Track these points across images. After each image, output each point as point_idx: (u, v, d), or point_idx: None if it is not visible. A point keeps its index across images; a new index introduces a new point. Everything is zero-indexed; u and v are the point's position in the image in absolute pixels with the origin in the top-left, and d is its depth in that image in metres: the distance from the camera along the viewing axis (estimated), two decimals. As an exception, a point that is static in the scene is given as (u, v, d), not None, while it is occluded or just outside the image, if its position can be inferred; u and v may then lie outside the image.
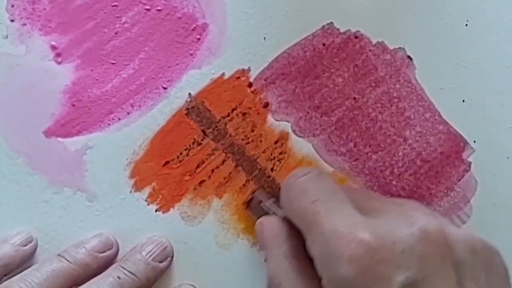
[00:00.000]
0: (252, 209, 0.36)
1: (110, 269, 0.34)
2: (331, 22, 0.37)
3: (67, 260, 0.33)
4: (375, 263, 0.26)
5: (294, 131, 0.37)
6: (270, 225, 0.33)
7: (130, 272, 0.33)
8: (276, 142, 0.37)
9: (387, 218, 0.29)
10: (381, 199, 0.33)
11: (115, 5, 0.36)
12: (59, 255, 0.34)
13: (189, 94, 0.36)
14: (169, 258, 0.36)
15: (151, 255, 0.35)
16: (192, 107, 0.36)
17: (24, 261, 0.35)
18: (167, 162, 0.36)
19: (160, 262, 0.35)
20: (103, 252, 0.35)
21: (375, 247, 0.26)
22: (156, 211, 0.36)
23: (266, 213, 0.35)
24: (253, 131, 0.37)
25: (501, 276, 0.29)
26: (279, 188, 0.37)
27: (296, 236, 0.31)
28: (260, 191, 0.36)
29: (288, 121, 0.37)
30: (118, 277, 0.33)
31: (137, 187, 0.36)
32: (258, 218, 0.35)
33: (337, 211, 0.29)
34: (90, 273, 0.34)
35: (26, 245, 0.35)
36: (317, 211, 0.29)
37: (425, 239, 0.27)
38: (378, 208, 0.30)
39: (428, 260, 0.27)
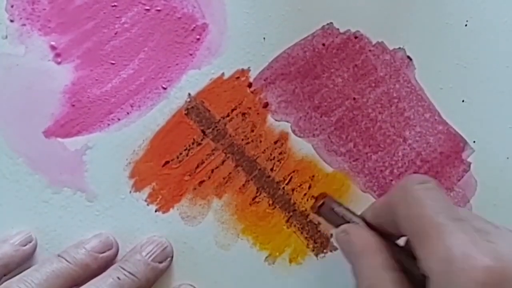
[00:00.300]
0: (323, 214, 0.35)
1: (110, 269, 0.34)
2: (331, 22, 0.37)
3: (67, 261, 0.33)
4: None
5: (293, 131, 0.37)
6: (359, 234, 0.32)
7: (130, 273, 0.33)
8: (275, 142, 0.37)
9: (506, 242, 0.28)
10: (488, 223, 0.32)
11: (115, 6, 0.36)
12: (59, 255, 0.34)
13: (189, 94, 0.36)
14: (168, 259, 0.36)
15: (150, 256, 0.35)
16: (192, 107, 0.36)
17: (23, 261, 0.35)
18: (167, 162, 0.36)
19: (160, 262, 0.35)
20: (103, 253, 0.35)
21: (506, 275, 0.26)
22: (156, 211, 0.36)
23: (339, 219, 0.34)
24: (252, 131, 0.37)
25: None
26: (279, 188, 0.37)
27: (387, 247, 0.31)
28: (330, 197, 0.36)
29: (287, 121, 0.37)
30: (118, 278, 0.33)
31: (137, 187, 0.36)
32: (330, 223, 0.35)
33: (460, 229, 0.28)
34: (90, 273, 0.34)
35: (25, 245, 0.35)
36: (441, 224, 0.28)
37: None
38: (490, 231, 0.29)
39: None
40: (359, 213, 0.34)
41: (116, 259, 0.35)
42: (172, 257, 0.36)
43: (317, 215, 0.36)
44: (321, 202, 0.35)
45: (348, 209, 0.34)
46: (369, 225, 0.33)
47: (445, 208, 0.29)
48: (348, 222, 0.33)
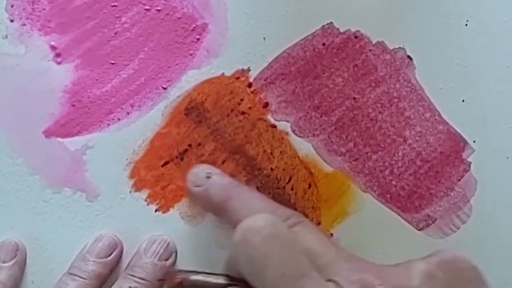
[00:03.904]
0: None
1: (120, 280, 0.34)
2: (331, 22, 0.37)
3: (81, 277, 0.33)
4: None
5: (293, 131, 0.37)
6: None
7: (140, 278, 0.33)
8: (275, 142, 0.37)
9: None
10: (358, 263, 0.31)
11: (115, 5, 0.36)
12: (70, 273, 0.34)
13: (189, 94, 0.36)
14: (173, 254, 0.35)
15: (156, 255, 0.35)
16: (192, 107, 0.36)
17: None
18: (167, 162, 0.36)
19: (166, 260, 0.35)
20: (110, 255, 0.35)
21: None
22: (156, 211, 0.36)
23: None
24: (252, 131, 0.37)
25: (475, 286, 0.29)
26: (279, 188, 0.37)
27: None
28: (179, 271, 0.33)
29: (287, 121, 0.37)
30: (130, 287, 0.33)
31: (137, 187, 0.36)
32: None
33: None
34: (105, 280, 0.34)
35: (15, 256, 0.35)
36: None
37: None
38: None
39: None
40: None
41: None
42: (176, 252, 0.36)
43: None
44: (178, 280, 0.32)
45: (207, 273, 0.32)
46: (235, 279, 0.31)
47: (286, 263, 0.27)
48: (214, 286, 0.32)
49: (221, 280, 0.32)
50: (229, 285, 0.31)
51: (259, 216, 0.29)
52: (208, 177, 0.34)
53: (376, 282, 0.28)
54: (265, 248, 0.28)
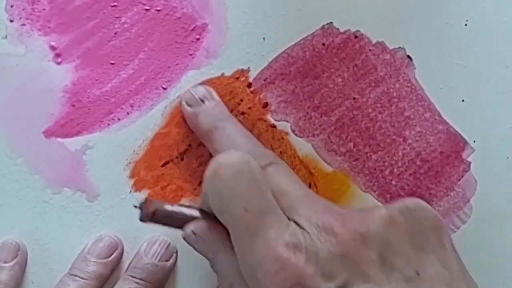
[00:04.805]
0: (158, 220, 0.32)
1: (120, 281, 0.34)
2: (331, 22, 0.37)
3: (82, 278, 0.33)
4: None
5: (293, 131, 0.37)
6: (204, 232, 0.31)
7: (141, 279, 0.33)
8: (275, 142, 0.37)
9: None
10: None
11: (115, 5, 0.36)
12: (71, 274, 0.34)
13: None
14: (174, 255, 0.35)
15: (156, 256, 0.35)
16: (192, 107, 0.36)
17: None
18: (167, 162, 0.36)
19: (167, 260, 0.35)
20: (110, 256, 0.35)
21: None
22: (156, 211, 0.36)
23: (178, 219, 0.32)
24: (252, 131, 0.37)
25: (437, 236, 0.28)
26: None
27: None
28: (154, 200, 0.33)
29: (287, 121, 0.37)
30: None
31: (137, 187, 0.36)
32: (171, 226, 0.32)
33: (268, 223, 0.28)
34: (105, 281, 0.34)
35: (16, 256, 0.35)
36: (250, 225, 0.28)
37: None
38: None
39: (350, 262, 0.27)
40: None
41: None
42: (177, 252, 0.36)
43: (153, 223, 0.32)
44: (152, 209, 0.32)
45: (181, 205, 0.33)
46: (208, 214, 0.31)
47: (254, 200, 0.28)
48: (186, 218, 0.32)
49: (194, 213, 0.32)
50: (202, 219, 0.31)
51: (233, 152, 0.29)
52: (202, 100, 0.34)
53: (335, 223, 0.28)
54: (232, 184, 0.28)
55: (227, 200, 0.28)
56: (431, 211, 0.29)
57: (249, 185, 0.28)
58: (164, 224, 0.32)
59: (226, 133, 0.33)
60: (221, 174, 0.28)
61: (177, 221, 0.32)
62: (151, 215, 0.32)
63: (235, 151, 0.30)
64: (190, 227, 0.31)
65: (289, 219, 0.28)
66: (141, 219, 0.32)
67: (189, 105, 0.35)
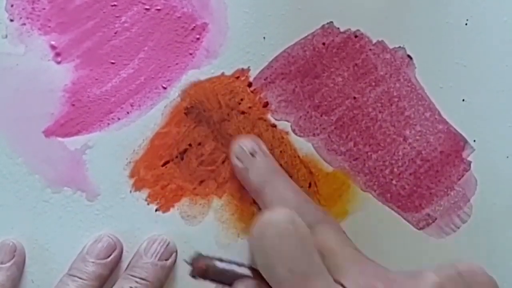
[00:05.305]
0: (208, 277, 0.34)
1: (120, 280, 0.34)
2: (331, 22, 0.37)
3: (81, 278, 0.33)
4: None
5: (294, 130, 0.37)
6: None
7: (141, 278, 0.33)
8: (275, 142, 0.37)
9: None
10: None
11: (115, 5, 0.36)
12: (70, 274, 0.34)
13: (188, 93, 0.36)
14: (174, 254, 0.35)
15: (156, 255, 0.35)
16: (192, 107, 0.36)
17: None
18: (167, 162, 0.36)
19: (166, 259, 0.35)
20: (109, 256, 0.35)
21: None
22: (156, 210, 0.36)
23: (228, 276, 0.33)
24: (252, 130, 0.36)
25: None
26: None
27: None
28: (204, 256, 0.34)
29: (287, 121, 0.37)
30: (131, 287, 0.33)
31: (137, 186, 0.36)
32: (219, 283, 0.33)
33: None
34: (105, 281, 0.34)
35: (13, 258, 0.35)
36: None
37: None
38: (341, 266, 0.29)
39: None
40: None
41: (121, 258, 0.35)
42: (176, 251, 0.36)
43: (201, 279, 0.33)
44: (203, 266, 0.33)
45: (231, 261, 0.33)
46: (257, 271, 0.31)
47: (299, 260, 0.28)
48: (237, 276, 0.32)
49: (245, 271, 0.32)
50: (251, 277, 0.32)
51: (279, 210, 0.29)
52: (252, 155, 0.34)
53: None
54: (277, 244, 0.28)
55: (272, 261, 0.28)
56: (485, 275, 0.28)
57: (294, 246, 0.28)
58: (213, 280, 0.33)
59: (274, 187, 0.33)
60: (266, 234, 0.28)
61: (228, 278, 0.33)
62: (203, 272, 0.33)
63: (281, 209, 0.29)
64: (240, 286, 0.32)
65: (335, 281, 0.28)
66: (193, 276, 0.33)
67: (240, 160, 0.35)
